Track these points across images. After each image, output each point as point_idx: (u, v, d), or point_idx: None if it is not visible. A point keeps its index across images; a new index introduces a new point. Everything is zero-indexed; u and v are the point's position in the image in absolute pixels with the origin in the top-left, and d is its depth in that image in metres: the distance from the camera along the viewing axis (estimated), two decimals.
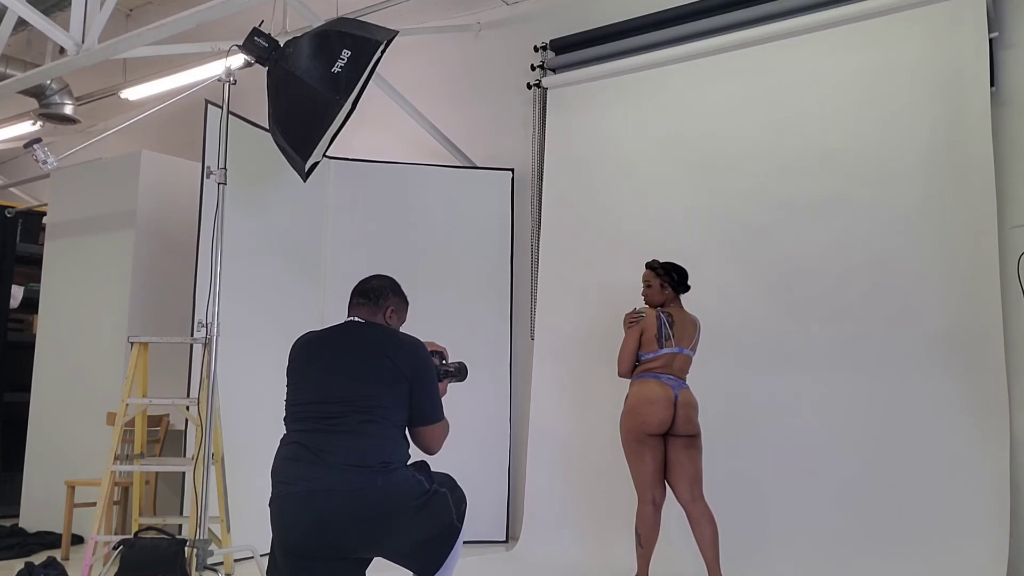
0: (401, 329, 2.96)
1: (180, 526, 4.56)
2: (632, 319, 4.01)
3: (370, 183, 5.66)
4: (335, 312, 5.44)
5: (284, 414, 2.79)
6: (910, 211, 4.33)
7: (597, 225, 5.29)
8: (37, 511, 5.62)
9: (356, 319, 2.90)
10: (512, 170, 5.79)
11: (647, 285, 4.07)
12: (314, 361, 2.80)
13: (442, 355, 3.10)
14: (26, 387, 5.96)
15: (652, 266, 4.10)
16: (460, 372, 3.12)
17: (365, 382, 2.68)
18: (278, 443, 2.76)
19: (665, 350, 3.90)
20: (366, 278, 3.00)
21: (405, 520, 2.61)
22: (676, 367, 3.91)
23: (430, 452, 2.86)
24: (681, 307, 4.06)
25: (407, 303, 3.04)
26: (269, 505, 2.66)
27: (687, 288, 4.09)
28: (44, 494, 5.58)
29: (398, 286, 3.00)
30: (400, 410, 2.72)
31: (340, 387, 2.68)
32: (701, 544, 3.77)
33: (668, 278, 4.03)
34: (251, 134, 4.91)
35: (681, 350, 3.92)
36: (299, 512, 2.57)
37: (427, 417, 2.79)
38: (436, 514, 2.68)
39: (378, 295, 2.94)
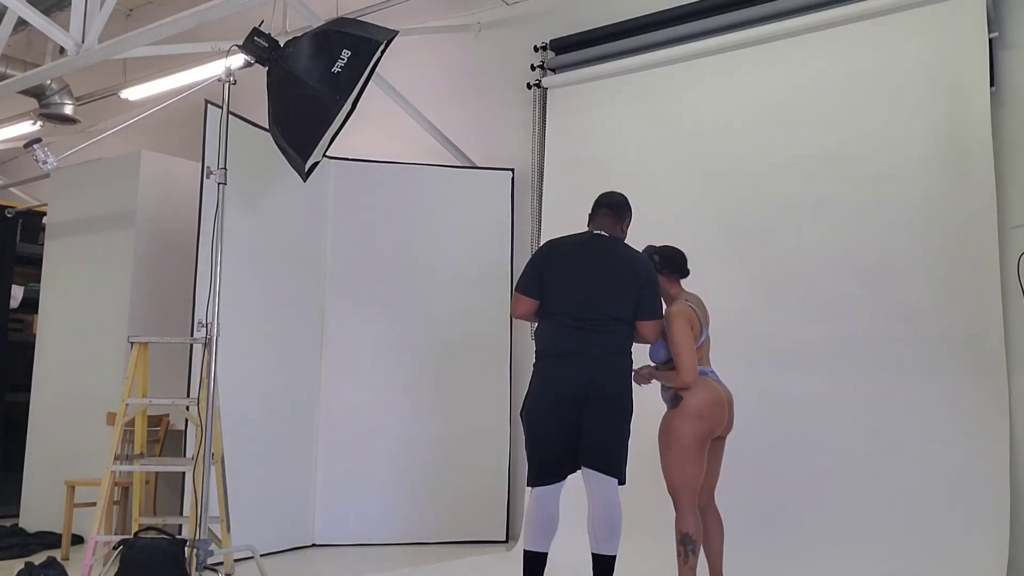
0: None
1: (180, 526, 4.56)
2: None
3: (370, 183, 5.66)
4: (335, 311, 5.50)
5: (545, 304, 3.58)
6: (910, 211, 4.33)
7: None
8: (37, 511, 5.62)
9: (601, 233, 3.63)
10: (512, 170, 5.79)
11: None
12: (571, 272, 3.53)
13: None
14: (26, 387, 5.96)
15: (648, 252, 3.82)
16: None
17: (615, 296, 3.49)
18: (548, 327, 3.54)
19: (702, 339, 3.69)
20: (609, 192, 3.75)
21: (612, 394, 3.50)
22: (706, 354, 3.74)
23: (648, 341, 3.63)
24: (683, 290, 3.83)
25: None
26: (536, 367, 3.60)
27: (686, 272, 3.85)
28: (44, 494, 5.59)
29: (626, 198, 3.76)
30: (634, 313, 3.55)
31: (596, 300, 3.48)
32: (711, 546, 3.70)
33: (664, 263, 3.78)
34: (251, 134, 4.91)
35: (706, 333, 3.74)
36: (568, 373, 3.50)
37: (649, 313, 3.55)
38: (621, 413, 3.55)
39: (621, 208, 3.68)
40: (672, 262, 3.81)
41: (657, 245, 3.91)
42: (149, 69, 7.22)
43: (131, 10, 7.84)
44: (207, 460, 3.62)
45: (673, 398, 3.63)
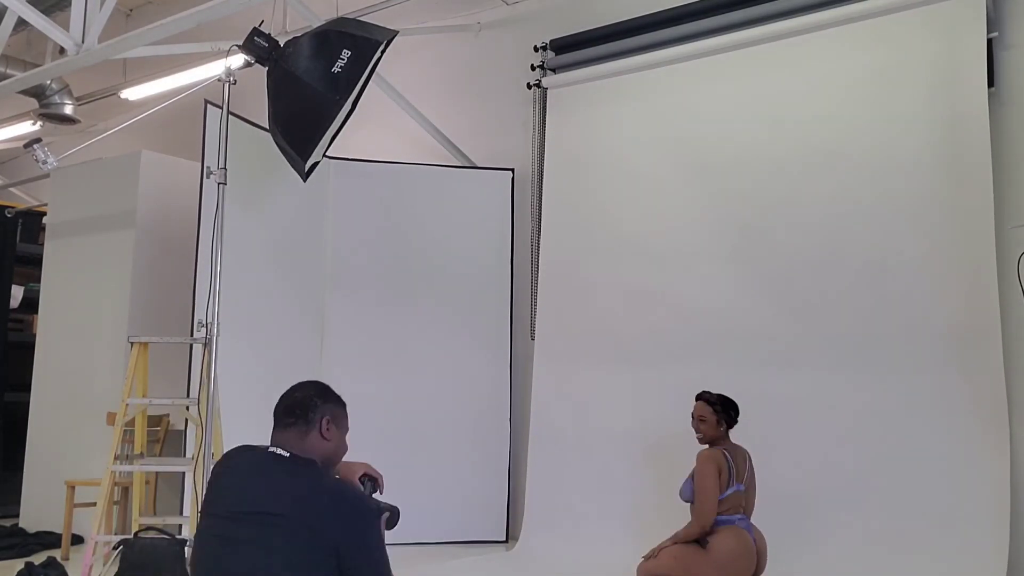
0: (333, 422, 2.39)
1: (180, 526, 4.56)
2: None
3: (370, 183, 5.66)
4: (335, 311, 5.49)
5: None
6: (908, 210, 4.33)
7: (597, 225, 5.30)
8: (37, 511, 5.62)
9: (279, 451, 2.27)
10: (512, 170, 5.79)
11: (701, 419, 3.78)
12: (211, 529, 2.19)
13: (376, 484, 2.51)
14: (26, 387, 5.96)
15: (709, 400, 3.80)
16: (391, 519, 2.39)
17: (265, 568, 2.06)
18: None
19: (730, 490, 3.66)
20: (288, 391, 2.47)
21: None
22: (738, 504, 3.71)
23: None
24: (730, 440, 3.84)
25: (344, 404, 2.48)
26: None
27: (735, 422, 3.86)
28: (44, 494, 5.59)
29: (328, 389, 2.46)
30: None
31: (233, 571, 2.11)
32: None
33: (726, 415, 3.80)
34: (251, 134, 4.91)
35: (739, 487, 3.71)
36: None
37: None
38: None
39: (307, 407, 2.38)
40: (728, 408, 3.81)
41: (713, 393, 3.87)
42: (149, 69, 7.22)
43: (131, 10, 7.83)
44: (207, 460, 3.62)
45: (700, 538, 3.58)
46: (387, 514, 2.34)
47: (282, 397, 2.44)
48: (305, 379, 2.49)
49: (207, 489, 2.31)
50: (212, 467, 2.36)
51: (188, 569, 3.58)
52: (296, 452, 2.27)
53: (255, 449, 2.33)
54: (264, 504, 2.13)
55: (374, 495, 2.43)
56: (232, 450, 2.36)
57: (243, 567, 2.08)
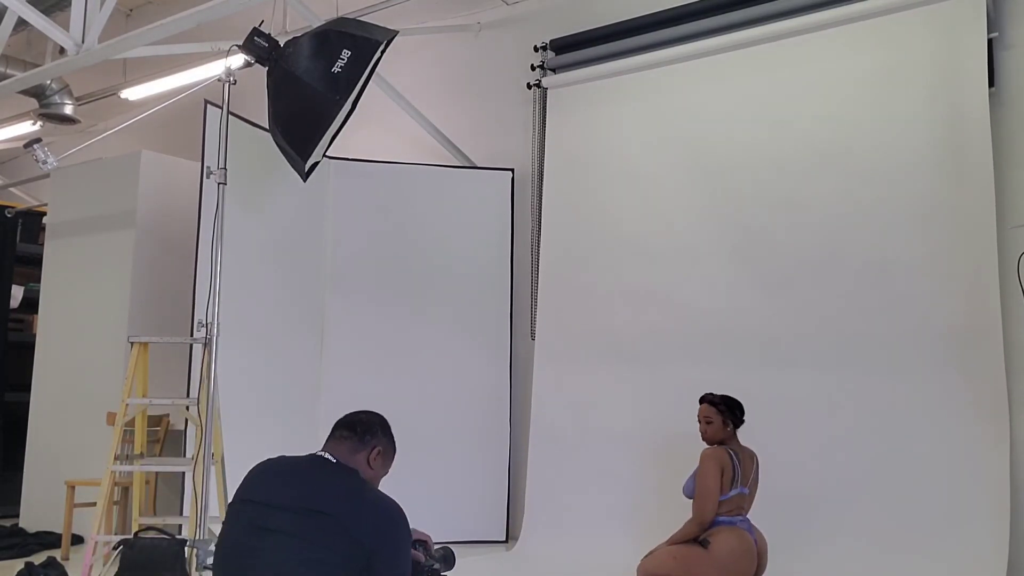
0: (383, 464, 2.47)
1: (180, 526, 4.56)
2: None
3: (370, 183, 5.66)
4: (335, 311, 5.49)
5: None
6: (909, 211, 4.33)
7: (597, 225, 5.30)
8: (37, 511, 5.62)
9: (326, 455, 2.35)
10: (512, 170, 5.79)
11: (707, 422, 3.78)
12: (248, 509, 2.26)
13: (426, 545, 2.63)
14: (26, 387, 5.96)
15: (712, 401, 3.81)
16: (447, 560, 2.65)
17: (300, 565, 2.10)
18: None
19: (734, 491, 3.66)
20: (355, 411, 2.55)
21: None
22: (740, 506, 3.71)
23: None
24: (739, 441, 3.84)
25: (395, 450, 2.55)
26: None
27: (741, 421, 3.86)
28: (44, 494, 5.59)
29: (388, 427, 2.55)
30: None
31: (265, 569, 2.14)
32: None
33: (731, 415, 3.80)
34: (251, 134, 4.91)
35: (743, 489, 3.72)
36: None
37: None
38: None
39: (366, 430, 2.45)
40: (732, 409, 3.81)
41: (717, 394, 3.88)
42: (149, 69, 7.22)
43: (131, 10, 7.84)
44: (207, 460, 3.62)
45: (701, 539, 3.58)
46: (438, 562, 2.57)
47: (348, 414, 2.51)
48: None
49: (244, 481, 2.38)
50: (250, 469, 2.45)
51: (188, 566, 3.58)
52: (343, 461, 2.35)
53: (299, 455, 2.41)
54: (307, 500, 2.19)
55: (427, 556, 2.59)
56: (273, 457, 2.44)
57: (276, 556, 2.13)
